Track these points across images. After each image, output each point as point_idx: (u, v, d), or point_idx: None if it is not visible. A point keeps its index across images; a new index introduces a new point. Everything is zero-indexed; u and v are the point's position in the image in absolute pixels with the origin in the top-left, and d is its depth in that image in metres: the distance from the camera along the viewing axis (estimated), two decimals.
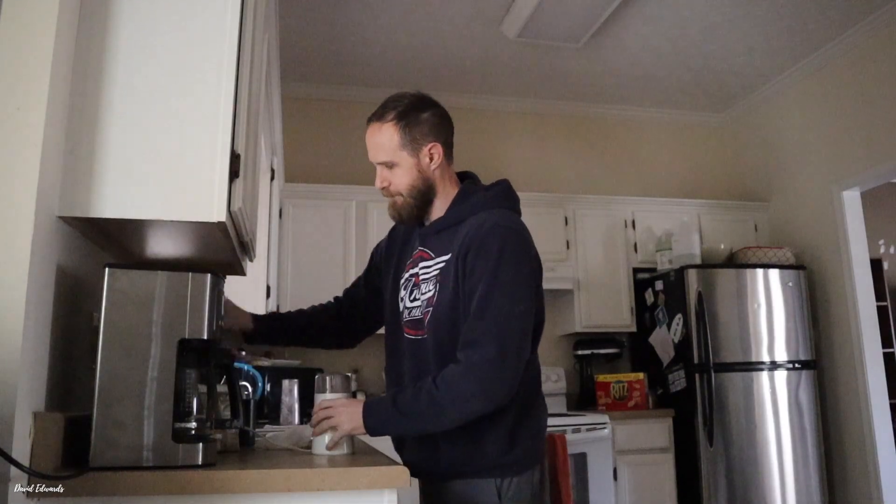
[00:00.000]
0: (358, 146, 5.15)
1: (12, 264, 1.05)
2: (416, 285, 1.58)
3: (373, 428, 1.42)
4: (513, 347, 1.39)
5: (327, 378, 1.55)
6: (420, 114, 1.54)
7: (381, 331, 1.77)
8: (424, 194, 1.56)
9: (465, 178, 1.65)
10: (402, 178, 1.54)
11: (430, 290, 1.53)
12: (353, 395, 1.66)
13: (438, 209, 1.59)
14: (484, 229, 1.46)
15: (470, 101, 4.78)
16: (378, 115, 1.54)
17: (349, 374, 1.64)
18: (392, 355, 1.65)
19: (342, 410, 1.44)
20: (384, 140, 1.52)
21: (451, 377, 1.38)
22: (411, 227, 1.66)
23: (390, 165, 1.54)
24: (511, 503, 1.46)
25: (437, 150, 1.55)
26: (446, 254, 1.52)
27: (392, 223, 1.71)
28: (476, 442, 1.46)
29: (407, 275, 1.63)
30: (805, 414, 4.03)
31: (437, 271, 1.53)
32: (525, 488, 1.48)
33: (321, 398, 1.52)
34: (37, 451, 1.07)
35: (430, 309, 1.52)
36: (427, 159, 1.54)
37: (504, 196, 1.59)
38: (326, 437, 1.45)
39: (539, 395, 1.57)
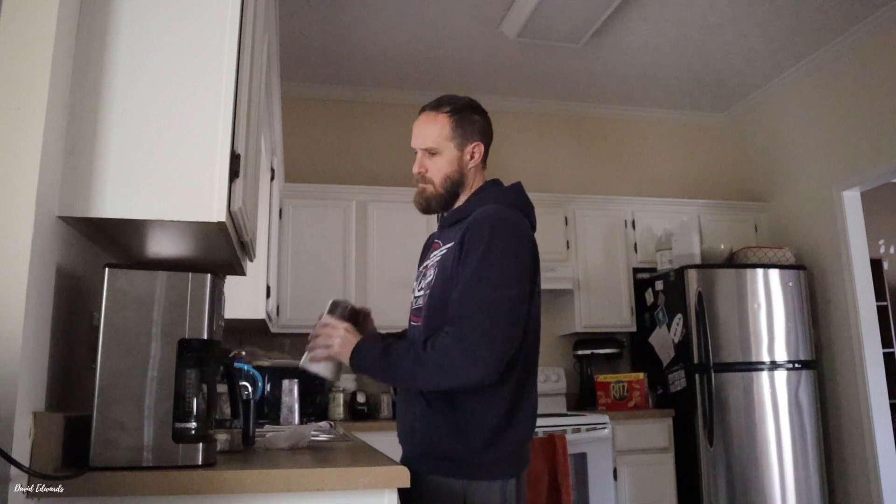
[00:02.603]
0: (358, 146, 5.12)
1: (12, 264, 1.05)
2: (424, 275, 1.63)
3: (355, 362, 1.48)
4: (500, 327, 1.40)
5: (339, 304, 1.59)
6: (473, 114, 1.64)
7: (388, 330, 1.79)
8: (455, 187, 1.63)
9: (486, 184, 1.71)
10: (441, 168, 1.61)
11: (430, 276, 1.58)
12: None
13: (459, 205, 1.66)
14: (479, 219, 1.51)
15: None
16: (433, 106, 1.64)
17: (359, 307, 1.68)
18: None
19: (340, 334, 1.50)
20: (435, 128, 1.60)
21: (441, 344, 1.41)
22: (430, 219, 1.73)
23: (433, 153, 1.61)
24: None
25: (480, 150, 1.64)
26: (450, 242, 1.57)
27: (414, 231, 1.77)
28: (450, 431, 1.46)
29: (420, 268, 1.69)
30: (805, 414, 4.03)
31: (440, 257, 1.58)
32: (495, 498, 1.44)
33: (327, 317, 1.56)
34: (37, 451, 1.07)
35: (428, 292, 1.56)
36: (468, 156, 1.62)
37: (512, 194, 1.64)
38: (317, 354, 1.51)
39: (528, 404, 1.53)
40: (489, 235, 1.46)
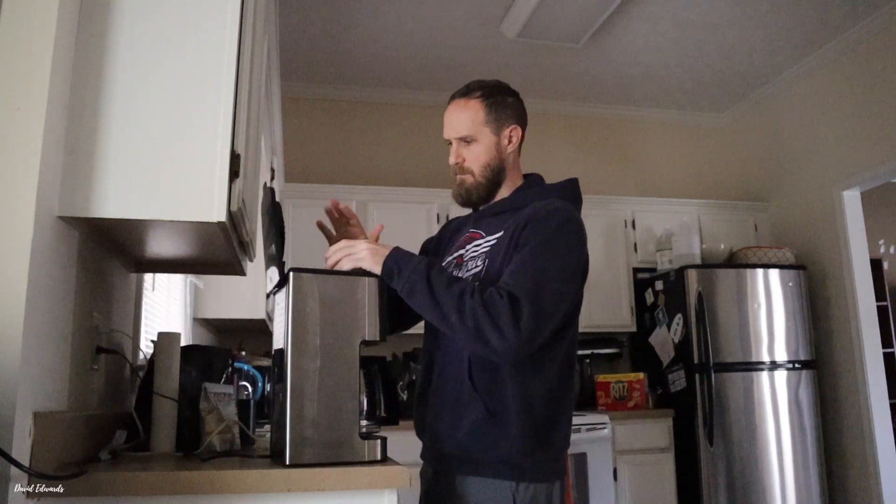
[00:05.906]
0: (358, 146, 5.11)
1: (12, 264, 1.05)
2: (459, 266, 1.56)
3: (389, 270, 1.38)
4: (547, 306, 1.34)
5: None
6: (507, 97, 1.57)
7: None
8: (496, 175, 1.56)
9: (529, 177, 1.65)
10: (479, 156, 1.54)
11: (477, 267, 1.50)
12: None
13: (501, 195, 1.58)
14: (547, 209, 1.46)
15: None
16: (463, 93, 1.57)
17: None
18: (427, 332, 1.62)
19: (367, 247, 1.41)
20: (469, 115, 1.54)
21: (490, 299, 1.33)
22: (464, 217, 1.66)
23: (469, 141, 1.54)
24: None
25: (518, 133, 1.57)
26: (498, 232, 1.50)
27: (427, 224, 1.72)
28: (500, 431, 1.41)
29: (449, 258, 1.61)
30: (805, 414, 4.03)
31: (487, 248, 1.51)
32: (541, 499, 1.41)
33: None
34: (37, 451, 1.07)
35: (476, 285, 1.48)
36: (506, 141, 1.56)
37: (572, 192, 1.59)
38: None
39: (570, 408, 1.51)
40: (554, 228, 1.42)
